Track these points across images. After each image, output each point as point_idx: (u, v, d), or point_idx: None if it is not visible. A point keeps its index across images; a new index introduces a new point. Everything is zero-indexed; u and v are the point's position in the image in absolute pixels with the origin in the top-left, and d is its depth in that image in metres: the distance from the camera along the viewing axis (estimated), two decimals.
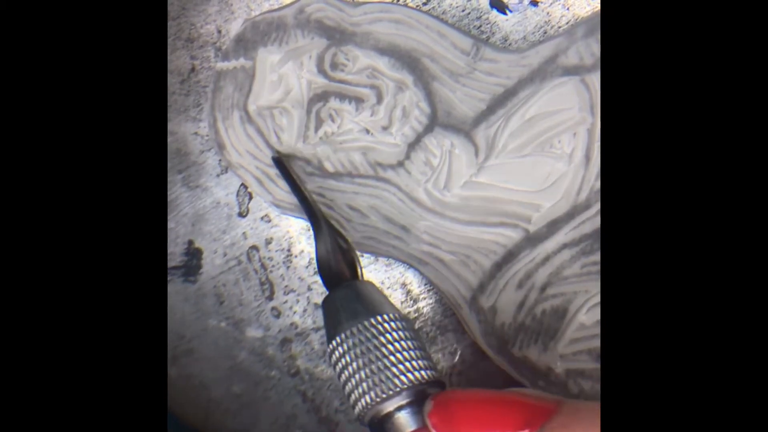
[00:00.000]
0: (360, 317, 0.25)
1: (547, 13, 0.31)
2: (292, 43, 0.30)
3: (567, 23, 0.31)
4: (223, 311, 0.31)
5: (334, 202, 0.30)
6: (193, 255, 0.32)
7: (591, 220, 0.29)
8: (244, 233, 0.32)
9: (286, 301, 0.31)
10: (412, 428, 0.24)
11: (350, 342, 0.25)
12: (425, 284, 0.31)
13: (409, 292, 0.31)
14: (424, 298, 0.31)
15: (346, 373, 0.25)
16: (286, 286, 0.31)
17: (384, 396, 0.24)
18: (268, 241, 0.32)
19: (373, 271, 0.31)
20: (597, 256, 0.29)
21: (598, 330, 0.29)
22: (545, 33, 0.31)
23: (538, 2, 0.31)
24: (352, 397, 0.24)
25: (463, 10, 0.31)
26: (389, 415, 0.24)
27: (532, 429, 0.21)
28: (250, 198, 0.32)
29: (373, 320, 0.25)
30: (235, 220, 0.32)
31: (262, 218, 0.32)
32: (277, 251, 0.32)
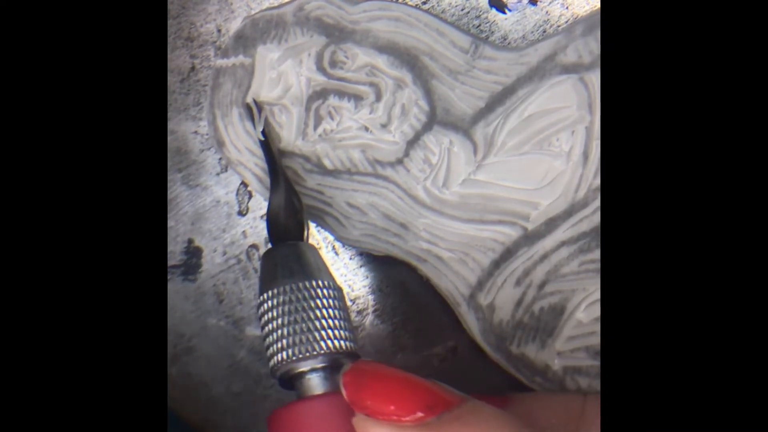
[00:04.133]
0: (296, 277, 0.26)
1: (546, 12, 0.31)
2: (292, 41, 0.30)
3: (566, 22, 0.31)
4: (223, 310, 0.32)
5: (333, 200, 0.30)
6: (193, 254, 0.32)
7: (589, 218, 0.29)
8: (243, 232, 0.32)
9: None
10: (321, 391, 0.25)
11: (281, 298, 0.25)
12: (424, 282, 0.31)
13: (407, 289, 0.31)
14: (423, 296, 0.31)
15: (270, 326, 0.25)
16: None
17: (300, 356, 0.25)
18: (268, 240, 0.32)
19: (372, 268, 0.31)
20: (595, 254, 0.29)
21: (595, 327, 0.29)
22: (544, 32, 0.31)
23: (537, 1, 0.31)
24: (270, 350, 0.25)
25: (462, 9, 0.31)
26: (301, 375, 0.25)
27: (431, 413, 0.22)
28: (250, 197, 0.32)
29: (307, 283, 0.25)
30: (234, 218, 0.32)
31: (261, 217, 0.32)
32: None
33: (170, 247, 0.32)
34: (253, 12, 0.32)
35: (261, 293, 0.26)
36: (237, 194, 0.32)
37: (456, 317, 0.30)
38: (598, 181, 0.29)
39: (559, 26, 0.31)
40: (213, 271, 0.32)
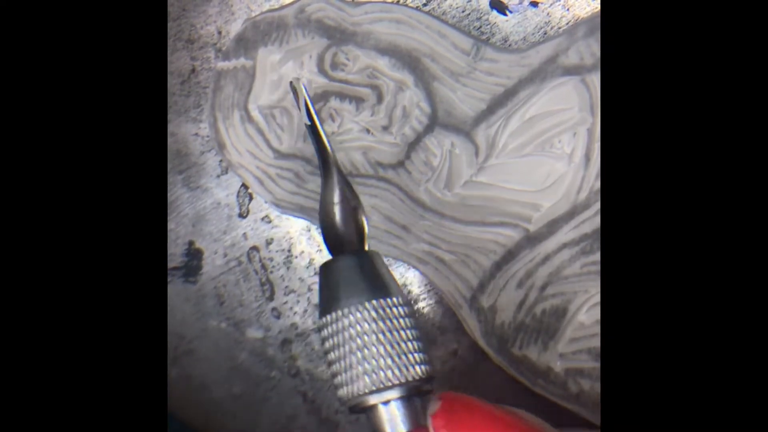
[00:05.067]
0: (362, 295, 0.23)
1: (547, 13, 0.31)
2: (293, 43, 0.30)
3: (567, 24, 0.31)
4: (224, 312, 0.32)
5: None
6: (194, 256, 0.32)
7: (590, 220, 0.29)
8: (244, 234, 0.32)
9: (286, 302, 0.31)
10: (402, 426, 0.23)
11: (347, 321, 0.23)
12: (425, 284, 0.31)
13: (409, 292, 0.31)
14: (425, 298, 0.31)
15: (337, 353, 0.23)
16: (286, 287, 0.31)
17: (374, 388, 0.22)
18: (269, 242, 0.32)
19: None
20: (596, 256, 0.29)
21: (597, 329, 0.29)
22: (545, 34, 0.31)
23: (538, 3, 0.31)
24: (338, 378, 0.23)
25: (463, 11, 0.31)
26: (375, 407, 0.23)
27: None
28: (251, 199, 0.32)
29: (375, 302, 0.23)
30: (235, 220, 0.32)
31: (262, 219, 0.32)
32: (277, 252, 0.32)
33: (171, 249, 0.32)
34: (253, 14, 0.32)
35: (322, 315, 0.24)
36: (237, 196, 0.32)
37: (457, 319, 0.30)
38: (599, 183, 0.29)
39: (560, 28, 0.31)
40: (214, 273, 0.32)
